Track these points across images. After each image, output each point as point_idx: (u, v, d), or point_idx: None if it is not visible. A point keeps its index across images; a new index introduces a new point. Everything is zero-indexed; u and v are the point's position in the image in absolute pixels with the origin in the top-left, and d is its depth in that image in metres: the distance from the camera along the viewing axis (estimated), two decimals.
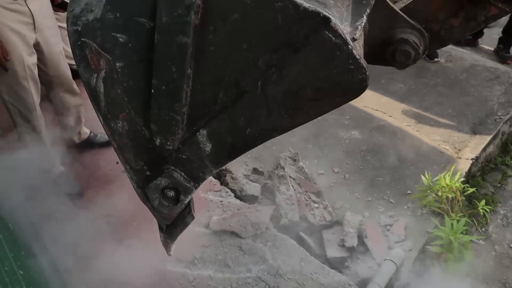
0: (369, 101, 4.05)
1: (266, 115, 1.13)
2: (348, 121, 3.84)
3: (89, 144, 3.23)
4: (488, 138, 3.61)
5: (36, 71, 2.60)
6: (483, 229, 3.14)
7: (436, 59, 4.62)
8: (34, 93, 2.61)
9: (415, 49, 1.25)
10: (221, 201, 2.78)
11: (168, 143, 1.26)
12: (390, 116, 3.90)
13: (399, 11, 1.25)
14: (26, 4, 2.42)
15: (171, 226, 1.52)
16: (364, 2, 1.11)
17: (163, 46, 1.12)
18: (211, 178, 2.97)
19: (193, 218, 1.44)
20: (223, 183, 3.00)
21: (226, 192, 2.92)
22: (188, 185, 1.31)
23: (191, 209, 1.43)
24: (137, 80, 1.20)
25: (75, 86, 2.96)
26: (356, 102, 4.03)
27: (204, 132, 1.21)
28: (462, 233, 2.72)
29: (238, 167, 3.29)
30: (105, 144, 3.23)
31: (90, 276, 2.37)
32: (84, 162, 3.16)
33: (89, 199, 2.84)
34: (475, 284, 2.76)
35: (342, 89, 1.06)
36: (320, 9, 0.99)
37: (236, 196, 2.91)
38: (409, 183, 3.24)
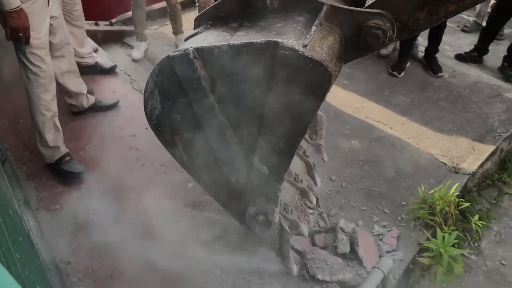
0: (371, 112, 4.09)
1: (284, 127, 1.47)
2: (348, 130, 3.87)
3: (96, 108, 3.58)
4: (486, 154, 3.63)
5: (48, 41, 2.83)
6: (476, 244, 3.16)
7: (440, 74, 4.66)
8: (50, 61, 2.84)
9: (382, 30, 1.47)
10: None
11: (240, 177, 1.68)
12: (391, 128, 3.94)
13: (357, 8, 1.50)
14: None
15: (280, 249, 1.98)
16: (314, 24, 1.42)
17: (199, 110, 1.56)
18: None
19: (288, 233, 1.86)
20: None
21: None
22: (269, 205, 1.70)
23: (283, 227, 1.85)
24: (200, 141, 1.64)
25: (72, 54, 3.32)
26: (357, 113, 4.07)
27: (256, 159, 1.59)
28: (453, 246, 2.75)
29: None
30: (110, 107, 3.65)
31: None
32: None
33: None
34: None
35: (315, 83, 1.36)
36: (272, 38, 1.35)
37: None
38: (405, 194, 3.27)
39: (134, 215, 2.71)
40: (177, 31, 4.77)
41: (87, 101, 3.48)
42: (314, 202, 2.19)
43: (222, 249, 2.58)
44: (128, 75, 4.03)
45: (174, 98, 1.58)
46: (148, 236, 2.59)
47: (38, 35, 2.68)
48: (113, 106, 3.62)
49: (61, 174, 3.00)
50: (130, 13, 4.92)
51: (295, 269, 2.04)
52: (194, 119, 1.59)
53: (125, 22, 5.06)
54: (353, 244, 2.77)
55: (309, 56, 1.31)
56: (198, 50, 1.46)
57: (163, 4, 4.93)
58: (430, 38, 4.72)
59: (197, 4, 4.67)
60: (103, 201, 2.79)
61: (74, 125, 3.40)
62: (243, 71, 1.43)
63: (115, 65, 4.07)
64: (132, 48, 4.65)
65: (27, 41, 2.59)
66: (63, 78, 3.24)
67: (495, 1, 5.06)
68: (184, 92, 1.54)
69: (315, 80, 1.35)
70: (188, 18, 5.45)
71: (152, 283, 2.41)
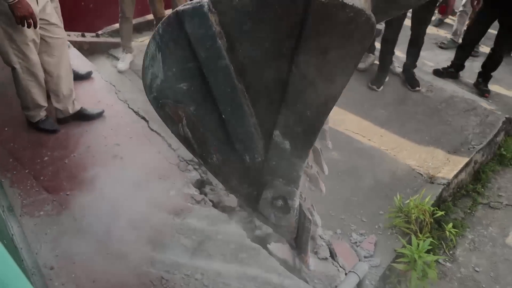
0: (350, 124, 4.20)
1: (314, 91, 1.25)
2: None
3: (81, 116, 3.64)
4: (460, 165, 3.76)
5: (38, 35, 3.12)
6: (451, 252, 3.26)
7: (417, 88, 4.81)
8: (35, 51, 3.14)
9: None
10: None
11: (256, 155, 1.43)
12: (370, 140, 4.05)
13: None
14: None
15: (298, 239, 1.71)
16: None
17: (212, 75, 1.31)
18: (193, 189, 3.08)
19: (310, 221, 1.61)
20: (203, 193, 3.11)
21: (205, 202, 3.02)
22: (289, 188, 1.46)
23: (305, 214, 1.59)
24: (210, 114, 1.40)
25: (68, 52, 3.48)
26: (337, 126, 4.18)
27: (277, 132, 1.35)
28: (428, 253, 2.85)
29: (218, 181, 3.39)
30: (96, 116, 3.69)
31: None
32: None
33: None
34: None
35: (355, 36, 1.16)
36: None
37: (214, 206, 3.01)
38: (382, 204, 3.37)
39: (118, 221, 2.76)
40: None
41: (72, 107, 3.54)
42: (324, 190, 1.93)
43: (203, 254, 2.64)
44: (114, 85, 4.09)
45: (180, 63, 1.37)
46: (131, 241, 2.63)
47: (24, 29, 2.96)
48: (98, 116, 3.66)
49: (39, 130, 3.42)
50: (116, 25, 5.01)
51: (312, 262, 1.80)
52: (204, 88, 1.37)
53: (111, 34, 5.13)
54: (331, 253, 2.85)
55: (349, 3, 1.11)
56: (214, 2, 1.23)
57: (150, 16, 5.02)
58: (409, 54, 4.88)
59: None
60: (87, 208, 2.83)
61: (59, 133, 3.44)
62: (267, 25, 1.21)
63: (91, 71, 4.12)
64: (118, 59, 4.72)
65: (35, 24, 2.90)
66: (58, 79, 3.39)
67: (470, 22, 5.26)
68: (193, 54, 1.32)
69: (356, 31, 1.14)
70: None
71: (135, 287, 2.45)
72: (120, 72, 4.54)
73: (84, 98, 3.84)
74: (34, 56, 3.13)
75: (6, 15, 2.85)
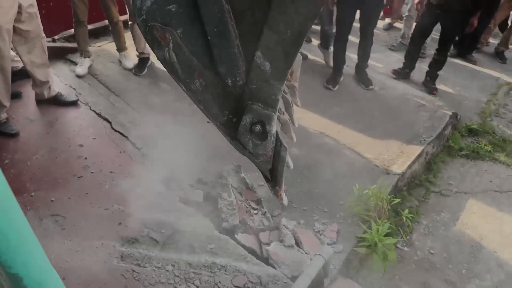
0: (308, 122, 4.35)
1: (295, 11, 1.29)
2: (287, 139, 4.09)
3: (57, 101, 3.88)
4: (413, 157, 3.98)
5: (12, 24, 3.22)
6: (407, 237, 3.44)
7: (370, 87, 5.03)
8: (8, 40, 3.21)
9: None
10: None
11: (237, 78, 1.43)
12: (327, 136, 4.21)
13: None
14: None
15: (273, 170, 1.66)
16: None
17: None
18: (159, 186, 3.13)
19: (286, 148, 1.58)
20: (169, 189, 3.16)
21: (172, 197, 3.08)
22: (267, 112, 1.45)
23: (281, 142, 1.57)
24: (196, 37, 1.42)
25: (45, 44, 3.66)
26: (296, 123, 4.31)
27: (259, 53, 1.37)
28: (386, 237, 3.01)
29: (184, 177, 3.45)
30: (70, 104, 3.90)
31: None
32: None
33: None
34: (399, 284, 3.04)
35: None
36: None
37: (181, 202, 3.07)
38: (342, 194, 3.51)
39: (86, 220, 2.77)
40: (120, 48, 4.88)
41: (48, 92, 3.81)
42: (294, 138, 2.00)
43: (172, 247, 2.70)
44: (74, 88, 4.08)
45: None
46: (99, 238, 2.66)
47: None
48: (73, 104, 3.90)
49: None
50: (72, 30, 4.97)
51: (285, 198, 1.84)
52: (192, 10, 1.41)
53: (68, 39, 5.09)
54: (296, 241, 2.96)
55: None
56: None
57: (106, 22, 5.02)
58: (360, 54, 5.11)
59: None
60: (53, 208, 2.83)
61: (20, 136, 3.42)
62: None
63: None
64: (76, 64, 4.69)
65: None
66: (32, 67, 3.57)
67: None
68: None
69: None
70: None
71: (106, 281, 2.47)
72: (78, 76, 4.51)
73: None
74: (5, 47, 3.18)
75: None
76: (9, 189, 0.76)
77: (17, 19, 3.27)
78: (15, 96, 3.78)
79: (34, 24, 3.42)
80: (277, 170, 1.65)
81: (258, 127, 1.48)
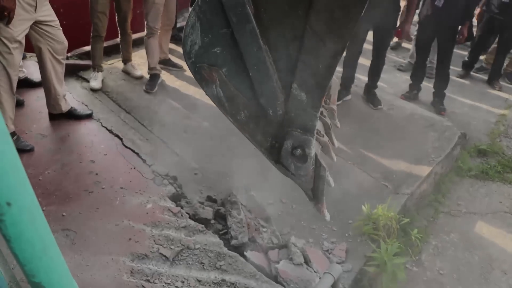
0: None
1: (324, 46, 1.48)
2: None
3: (71, 116, 3.96)
4: (422, 177, 3.98)
5: (24, 37, 3.30)
6: (417, 257, 3.42)
7: (379, 107, 5.06)
8: (19, 53, 3.30)
9: None
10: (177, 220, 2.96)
11: (277, 108, 1.64)
12: (336, 155, 4.19)
13: None
14: None
15: (314, 189, 1.83)
16: None
17: (241, 38, 1.55)
18: (169, 202, 3.15)
19: (325, 169, 1.75)
20: (179, 206, 3.18)
21: (182, 214, 3.09)
22: (306, 137, 1.64)
23: (321, 163, 1.74)
24: (238, 74, 1.64)
25: (65, 55, 3.76)
26: None
27: (295, 85, 1.57)
28: (395, 255, 3.00)
29: (193, 194, 3.48)
30: (85, 117, 4.02)
31: None
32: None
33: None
34: None
35: None
36: None
37: (191, 218, 3.09)
38: (351, 213, 3.51)
39: (97, 235, 2.79)
40: (126, 58, 5.07)
41: (64, 105, 3.88)
42: (335, 158, 2.11)
43: (182, 263, 2.70)
44: (86, 105, 4.14)
45: (215, 29, 1.61)
46: (110, 253, 2.67)
47: (12, 29, 3.12)
48: (87, 117, 3.98)
49: None
50: (85, 48, 5.09)
51: (327, 213, 1.92)
52: (235, 50, 1.61)
53: (80, 56, 5.18)
54: (306, 259, 2.96)
55: None
56: None
57: (117, 40, 5.11)
58: (370, 75, 5.16)
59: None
60: (65, 223, 2.85)
61: (32, 151, 3.46)
62: None
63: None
64: (87, 81, 4.77)
65: (9, 20, 3.04)
66: (56, 80, 3.66)
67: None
68: (226, 21, 1.56)
69: None
70: (141, 54, 5.66)
71: None
72: (93, 90, 4.61)
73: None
74: (16, 57, 3.25)
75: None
76: (36, 199, 0.79)
77: (39, 33, 3.41)
78: (18, 104, 3.84)
79: (61, 39, 3.57)
80: (318, 189, 1.81)
81: (298, 151, 1.66)
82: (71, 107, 3.91)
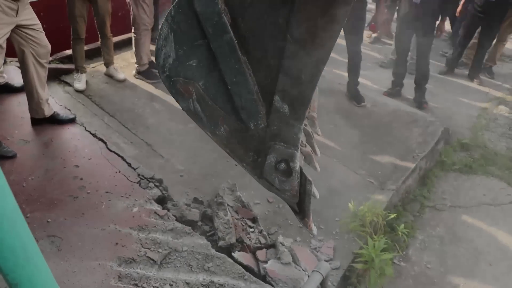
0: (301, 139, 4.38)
1: (306, 54, 1.40)
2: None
3: (54, 120, 3.89)
4: (407, 172, 4.01)
5: (5, 42, 3.28)
6: (404, 253, 3.45)
7: (363, 104, 5.09)
8: (1, 58, 3.33)
9: None
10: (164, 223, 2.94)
11: (259, 122, 1.55)
12: (321, 153, 4.22)
13: None
14: None
15: (300, 203, 1.74)
16: None
17: (218, 49, 1.47)
18: (155, 205, 3.13)
19: (310, 182, 1.65)
20: (165, 208, 3.16)
21: (168, 217, 3.08)
22: (290, 150, 1.54)
23: (305, 176, 1.64)
24: (216, 87, 1.55)
25: (48, 60, 3.71)
26: None
27: (277, 97, 1.48)
28: (383, 251, 3.02)
29: (180, 196, 3.46)
30: (68, 121, 3.95)
31: None
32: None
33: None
34: None
35: (338, 2, 1.31)
36: None
37: (177, 221, 3.07)
38: (337, 211, 3.53)
39: (83, 240, 2.76)
40: (108, 61, 5.06)
41: (48, 109, 3.82)
42: (318, 168, 2.01)
43: (170, 266, 2.69)
44: (69, 109, 4.10)
45: (190, 41, 1.52)
46: (96, 258, 2.65)
47: None
48: (70, 121, 3.92)
49: None
50: (66, 51, 5.04)
51: (314, 228, 1.79)
52: (212, 63, 1.53)
53: (62, 60, 5.13)
54: (294, 258, 2.96)
55: None
56: None
57: (98, 44, 5.07)
58: (350, 72, 5.22)
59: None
60: (50, 229, 2.82)
61: (14, 158, 3.41)
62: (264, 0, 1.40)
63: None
64: (70, 85, 4.74)
65: None
66: (39, 84, 3.61)
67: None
68: (202, 32, 1.48)
69: None
70: (124, 57, 5.62)
71: None
72: (78, 91, 4.64)
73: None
74: None
75: None
76: (17, 205, 0.78)
77: (22, 37, 3.36)
78: None
79: (44, 43, 3.53)
80: (304, 203, 1.73)
81: (282, 165, 1.57)
82: (54, 111, 3.85)
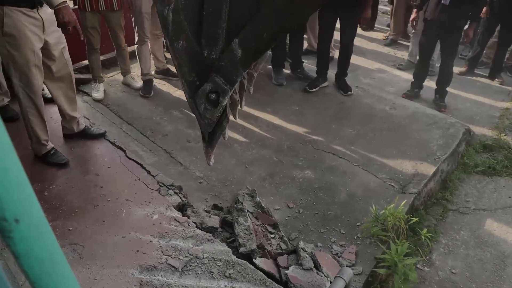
0: (321, 144, 4.36)
1: (275, 21, 1.54)
2: (301, 162, 4.10)
3: (85, 135, 3.90)
4: (428, 175, 3.95)
5: (41, 61, 3.24)
6: (427, 257, 3.39)
7: (349, 93, 5.31)
8: (39, 78, 3.25)
9: None
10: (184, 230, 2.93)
11: (213, 52, 1.70)
12: (341, 157, 4.20)
13: None
14: (38, 13, 3.11)
15: (212, 134, 1.95)
16: None
17: None
18: (175, 212, 3.12)
19: (228, 121, 1.86)
20: (185, 215, 3.15)
21: (188, 224, 3.07)
22: (226, 87, 1.72)
23: (227, 114, 1.85)
24: (193, 8, 1.68)
25: (73, 79, 3.68)
26: (308, 146, 4.33)
27: (237, 40, 1.62)
28: (406, 256, 2.97)
29: (199, 203, 3.46)
30: (98, 136, 3.94)
31: None
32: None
33: None
34: None
35: None
36: None
37: (197, 227, 3.06)
38: (358, 215, 3.49)
39: (104, 248, 2.77)
40: (125, 71, 5.11)
41: (77, 127, 3.83)
42: (236, 119, 2.19)
43: (191, 273, 2.67)
44: (88, 118, 4.14)
45: None
46: (118, 266, 2.65)
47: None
48: (102, 136, 3.93)
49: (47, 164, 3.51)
50: (84, 62, 5.09)
51: (212, 159, 2.07)
52: None
53: (80, 70, 5.18)
54: (315, 264, 2.93)
55: None
56: None
57: (115, 53, 5.12)
58: (339, 63, 5.43)
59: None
60: (71, 237, 2.83)
61: (36, 167, 3.45)
62: None
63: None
64: (88, 94, 4.79)
65: (79, 32, 3.04)
66: (61, 102, 3.62)
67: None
68: None
69: None
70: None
71: None
72: (96, 100, 4.69)
73: (58, 132, 3.87)
74: (36, 82, 3.21)
75: (11, 37, 2.97)
76: (43, 214, 0.76)
77: (47, 57, 3.31)
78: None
79: (63, 62, 3.47)
80: (215, 134, 1.95)
81: (213, 96, 1.76)
82: (85, 126, 3.92)
